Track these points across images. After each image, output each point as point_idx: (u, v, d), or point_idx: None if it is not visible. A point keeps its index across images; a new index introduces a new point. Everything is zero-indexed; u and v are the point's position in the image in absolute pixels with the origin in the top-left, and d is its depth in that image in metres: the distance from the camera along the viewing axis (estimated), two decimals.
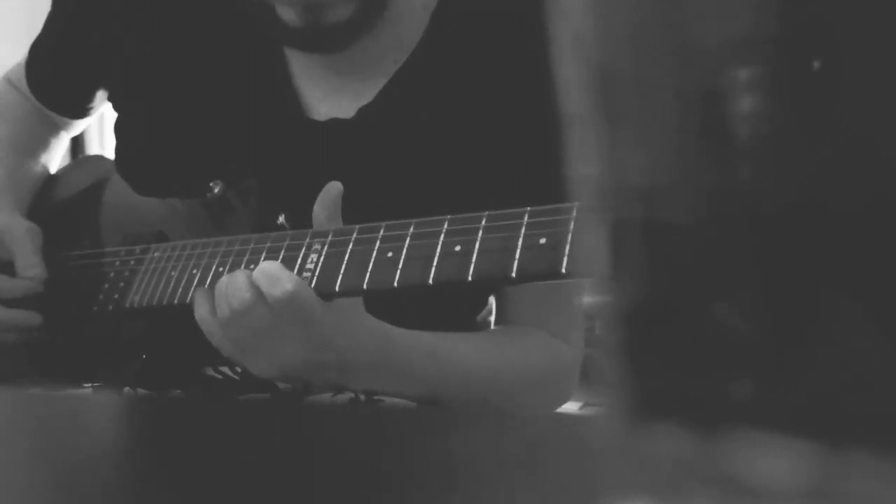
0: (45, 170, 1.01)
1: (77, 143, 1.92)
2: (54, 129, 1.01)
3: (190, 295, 0.75)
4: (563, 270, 0.58)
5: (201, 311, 0.69)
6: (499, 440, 0.37)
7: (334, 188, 0.69)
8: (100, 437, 0.42)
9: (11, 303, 0.85)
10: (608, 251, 0.16)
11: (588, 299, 0.17)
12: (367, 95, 0.80)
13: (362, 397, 0.79)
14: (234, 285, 0.66)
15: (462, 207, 0.74)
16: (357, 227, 0.68)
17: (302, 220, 0.72)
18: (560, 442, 0.36)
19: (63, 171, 1.02)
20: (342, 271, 0.67)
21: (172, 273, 0.77)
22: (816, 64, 0.13)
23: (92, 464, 0.36)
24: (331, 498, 0.30)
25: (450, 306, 0.81)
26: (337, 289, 0.66)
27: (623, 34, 0.15)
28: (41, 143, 1.01)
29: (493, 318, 0.90)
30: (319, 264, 0.68)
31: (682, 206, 0.15)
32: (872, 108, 0.13)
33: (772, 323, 0.14)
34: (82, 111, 0.98)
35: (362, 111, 0.80)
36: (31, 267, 0.86)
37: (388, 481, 0.31)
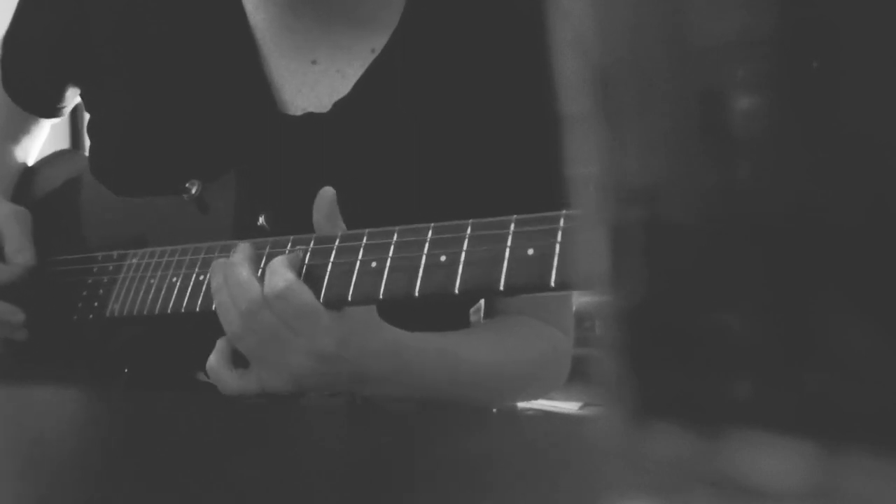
0: (25, 158, 1.00)
1: (76, 134, 1.91)
2: (34, 116, 1.01)
3: (171, 304, 0.74)
4: (553, 283, 0.56)
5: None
6: (498, 440, 0.37)
7: (328, 194, 0.68)
8: (98, 437, 0.42)
9: None
10: (608, 251, 0.16)
11: (588, 299, 0.17)
12: (343, 88, 0.80)
13: (359, 398, 0.79)
14: (241, 284, 0.65)
15: (443, 200, 0.73)
16: (339, 234, 0.67)
17: (282, 217, 0.71)
18: (560, 442, 0.36)
19: (37, 166, 1.00)
20: (325, 282, 0.65)
21: (152, 281, 0.76)
22: (815, 64, 0.13)
23: (88, 464, 0.36)
24: (330, 498, 0.30)
25: (443, 304, 0.81)
26: (321, 300, 0.65)
27: (623, 34, 0.15)
28: (22, 128, 1.00)
29: (482, 309, 0.90)
30: (302, 275, 0.67)
31: (682, 205, 0.15)
32: (872, 108, 0.13)
33: (772, 323, 0.14)
34: (53, 111, 0.97)
35: (338, 105, 0.79)
36: (20, 251, 0.85)
37: (388, 481, 0.31)
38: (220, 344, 0.69)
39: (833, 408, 0.14)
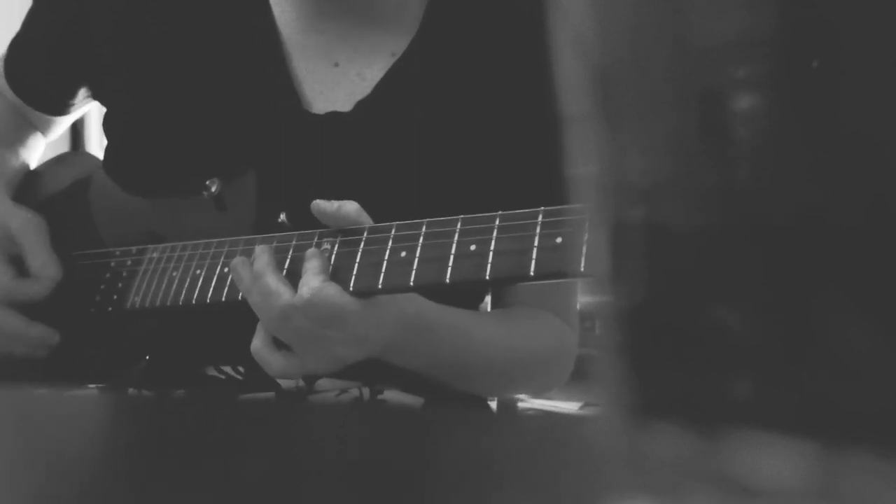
0: (26, 164, 0.99)
1: (77, 138, 1.91)
2: (31, 129, 1.00)
3: (196, 295, 0.74)
4: (582, 269, 0.58)
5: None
6: (498, 440, 0.37)
7: (317, 209, 0.68)
8: (101, 437, 0.42)
9: (28, 310, 0.83)
10: (609, 250, 0.16)
11: (588, 299, 0.17)
12: (363, 90, 0.80)
13: (366, 395, 0.79)
14: (270, 294, 0.66)
15: (463, 200, 0.74)
16: (367, 227, 0.68)
17: (302, 215, 0.71)
18: (560, 442, 0.36)
19: (44, 168, 0.99)
20: (355, 272, 0.66)
21: (174, 274, 0.77)
22: (815, 63, 0.13)
23: (93, 463, 0.36)
24: (332, 497, 0.30)
25: (454, 295, 0.82)
26: (351, 288, 0.66)
27: (623, 34, 0.15)
28: (20, 137, 0.99)
29: (489, 301, 0.90)
30: (330, 265, 0.68)
31: (682, 205, 0.15)
32: (872, 108, 0.13)
33: (772, 323, 0.14)
34: (63, 107, 0.96)
35: (360, 105, 0.79)
36: (47, 265, 0.83)
37: (389, 481, 0.31)
38: (261, 327, 0.69)
39: (833, 408, 0.14)
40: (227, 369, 0.79)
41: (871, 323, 0.13)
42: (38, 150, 1.02)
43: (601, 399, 0.17)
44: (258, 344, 0.69)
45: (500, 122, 0.79)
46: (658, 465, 0.15)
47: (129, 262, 0.82)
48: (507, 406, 1.03)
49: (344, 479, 0.32)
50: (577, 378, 0.86)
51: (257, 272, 0.68)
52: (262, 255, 0.69)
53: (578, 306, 0.88)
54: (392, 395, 0.80)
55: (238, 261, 0.70)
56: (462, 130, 0.79)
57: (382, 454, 0.35)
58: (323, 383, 0.78)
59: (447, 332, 0.74)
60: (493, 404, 0.91)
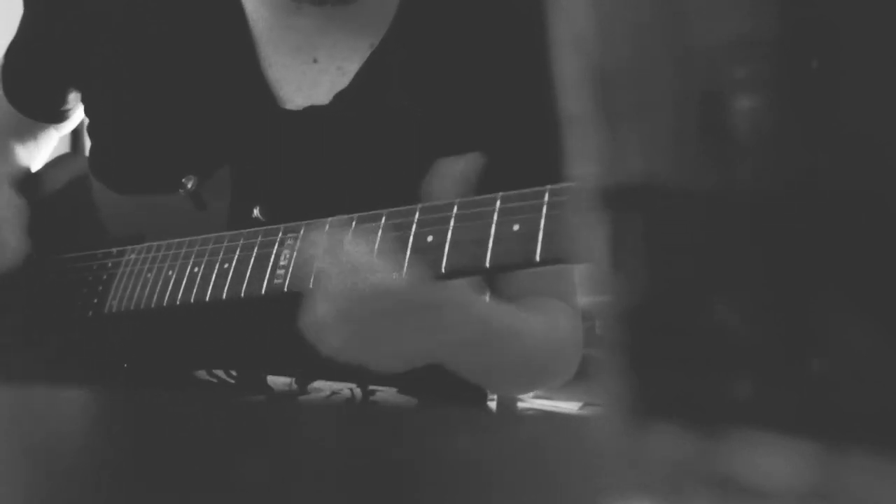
0: (30, 161, 1.00)
1: (77, 137, 1.91)
2: (39, 124, 1.00)
3: (167, 297, 0.74)
4: (538, 258, 0.56)
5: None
6: (499, 440, 0.37)
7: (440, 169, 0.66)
8: (94, 439, 0.42)
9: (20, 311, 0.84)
10: (608, 250, 0.16)
11: (588, 299, 0.17)
12: (343, 81, 0.80)
13: (358, 396, 0.79)
14: (359, 266, 0.62)
15: None
16: (328, 220, 0.67)
17: (278, 210, 0.71)
18: (560, 442, 0.36)
19: (41, 170, 1.00)
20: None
21: (148, 275, 0.77)
22: (815, 64, 0.13)
23: (84, 466, 0.36)
24: (330, 498, 0.30)
25: None
26: (311, 285, 0.65)
27: (623, 34, 0.15)
28: (31, 131, 1.00)
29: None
30: (292, 261, 0.67)
31: (682, 205, 0.15)
32: (872, 108, 0.13)
33: (772, 322, 0.14)
34: (58, 115, 0.97)
35: (339, 97, 0.79)
36: (12, 243, 0.84)
37: (388, 481, 0.31)
38: (325, 299, 0.63)
39: (833, 408, 0.14)
40: (219, 373, 0.79)
41: (871, 323, 0.13)
42: (52, 143, 1.03)
43: (601, 399, 0.17)
44: (326, 314, 0.62)
45: (479, 111, 0.79)
46: (658, 465, 0.15)
47: (109, 265, 0.82)
48: (507, 406, 1.03)
49: (339, 481, 0.32)
50: (577, 378, 0.86)
51: (349, 241, 0.64)
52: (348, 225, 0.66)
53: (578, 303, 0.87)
54: (384, 396, 0.80)
55: (314, 232, 0.67)
56: (441, 120, 0.78)
57: (379, 456, 0.35)
58: (315, 384, 0.78)
59: (506, 333, 0.72)
60: (493, 404, 0.91)
